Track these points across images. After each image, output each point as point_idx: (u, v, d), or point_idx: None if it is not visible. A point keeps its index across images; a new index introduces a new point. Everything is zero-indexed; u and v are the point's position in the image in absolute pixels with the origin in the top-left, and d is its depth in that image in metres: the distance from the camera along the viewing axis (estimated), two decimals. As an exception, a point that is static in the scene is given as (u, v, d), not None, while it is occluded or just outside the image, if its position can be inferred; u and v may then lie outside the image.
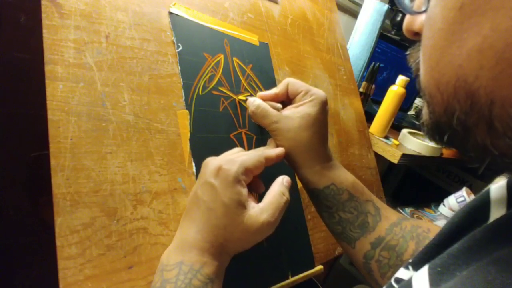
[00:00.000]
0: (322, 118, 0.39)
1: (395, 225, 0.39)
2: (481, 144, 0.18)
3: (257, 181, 0.38)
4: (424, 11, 0.20)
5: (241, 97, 0.48)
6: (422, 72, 0.21)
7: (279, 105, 0.42)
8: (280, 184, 0.35)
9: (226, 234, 0.31)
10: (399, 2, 0.22)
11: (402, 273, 0.27)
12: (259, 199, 0.35)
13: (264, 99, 0.41)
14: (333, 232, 0.42)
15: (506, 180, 0.24)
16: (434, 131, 0.22)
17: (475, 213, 0.25)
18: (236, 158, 0.33)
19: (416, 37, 0.23)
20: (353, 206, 0.39)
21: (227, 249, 0.32)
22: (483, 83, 0.16)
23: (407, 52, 0.26)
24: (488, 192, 0.25)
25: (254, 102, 0.40)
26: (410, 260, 0.27)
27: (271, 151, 0.37)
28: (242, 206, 0.31)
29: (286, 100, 0.42)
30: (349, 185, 0.40)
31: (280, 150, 0.38)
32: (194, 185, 0.35)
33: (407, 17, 0.23)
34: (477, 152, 0.20)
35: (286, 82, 0.41)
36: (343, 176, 0.40)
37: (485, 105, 0.17)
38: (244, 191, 0.32)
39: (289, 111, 0.40)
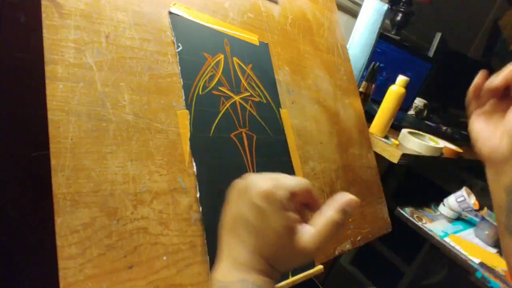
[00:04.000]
0: None
1: None
2: None
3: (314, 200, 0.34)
4: None
5: None
6: None
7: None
8: (340, 211, 0.30)
9: (276, 258, 0.32)
10: None
11: None
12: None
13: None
14: None
15: None
16: None
17: None
18: (285, 182, 0.31)
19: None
20: None
21: (278, 269, 0.33)
22: None
23: None
24: None
25: None
26: None
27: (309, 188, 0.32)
28: (291, 231, 0.31)
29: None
30: None
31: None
32: (232, 200, 0.33)
33: None
34: None
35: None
36: None
37: None
38: (293, 215, 0.31)
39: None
